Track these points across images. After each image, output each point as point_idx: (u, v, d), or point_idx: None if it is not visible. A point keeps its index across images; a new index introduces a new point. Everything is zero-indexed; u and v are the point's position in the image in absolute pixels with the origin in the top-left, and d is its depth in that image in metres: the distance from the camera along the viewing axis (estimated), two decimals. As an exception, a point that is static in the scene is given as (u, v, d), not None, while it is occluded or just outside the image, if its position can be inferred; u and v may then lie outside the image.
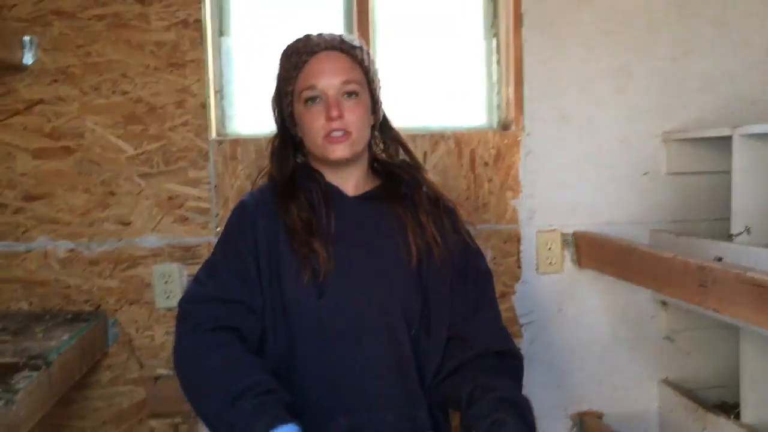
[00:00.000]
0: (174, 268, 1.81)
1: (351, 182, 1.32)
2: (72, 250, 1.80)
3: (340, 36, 1.28)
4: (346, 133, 1.24)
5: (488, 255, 1.90)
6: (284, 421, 1.03)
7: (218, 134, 1.87)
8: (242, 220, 1.29)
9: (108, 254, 1.80)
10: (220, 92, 1.90)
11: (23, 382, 1.26)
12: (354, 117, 1.25)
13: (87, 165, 1.79)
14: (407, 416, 1.21)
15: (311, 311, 1.21)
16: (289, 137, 1.35)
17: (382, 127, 1.38)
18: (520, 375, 1.26)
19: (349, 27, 1.93)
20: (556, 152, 1.91)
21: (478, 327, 1.26)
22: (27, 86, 1.77)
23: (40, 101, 1.78)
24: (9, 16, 1.74)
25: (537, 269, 1.92)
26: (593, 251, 1.86)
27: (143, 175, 1.80)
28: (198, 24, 1.79)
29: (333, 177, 1.32)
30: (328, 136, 1.24)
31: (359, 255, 1.26)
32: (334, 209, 1.27)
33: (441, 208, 1.33)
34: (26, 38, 1.75)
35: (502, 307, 1.83)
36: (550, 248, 1.91)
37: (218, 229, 1.80)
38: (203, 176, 1.81)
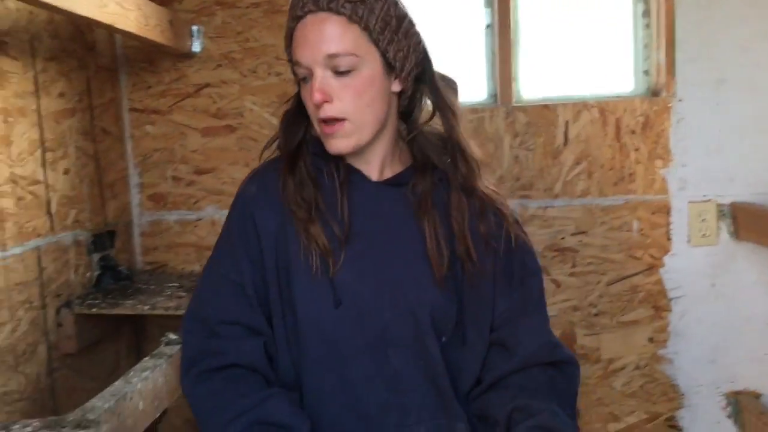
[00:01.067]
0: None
1: (373, 164, 1.05)
2: (235, 219, 1.98)
3: None
4: (339, 121, 0.97)
5: (634, 227, 1.84)
6: None
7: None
8: (242, 218, 1.05)
9: (266, 223, 1.97)
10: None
11: (197, 332, 1.43)
12: (347, 99, 0.96)
13: (247, 141, 1.96)
14: (443, 428, 1.02)
15: (325, 324, 1.00)
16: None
17: (420, 91, 1.06)
18: (573, 387, 1.06)
19: (489, -3, 1.94)
20: (712, 118, 1.81)
21: (522, 334, 1.05)
22: (196, 71, 1.96)
23: (207, 85, 1.96)
24: (180, 8, 1.93)
25: (689, 241, 1.84)
26: (753, 223, 1.75)
27: (296, 150, 1.94)
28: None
29: (352, 157, 1.04)
30: (320, 123, 0.98)
31: (382, 253, 1.02)
32: (350, 196, 1.03)
33: (481, 196, 1.05)
34: (194, 28, 1.94)
35: (649, 279, 1.81)
36: (703, 220, 1.82)
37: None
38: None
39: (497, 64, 1.92)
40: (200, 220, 2.00)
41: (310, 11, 0.95)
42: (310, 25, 0.95)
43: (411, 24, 1.00)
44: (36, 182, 1.57)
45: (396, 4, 0.98)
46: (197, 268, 2.01)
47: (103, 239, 1.83)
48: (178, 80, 1.97)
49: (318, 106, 0.95)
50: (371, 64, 0.96)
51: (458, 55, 1.96)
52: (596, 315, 1.87)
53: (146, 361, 1.27)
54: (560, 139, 1.86)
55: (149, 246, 2.02)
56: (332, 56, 0.94)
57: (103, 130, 1.89)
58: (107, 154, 1.90)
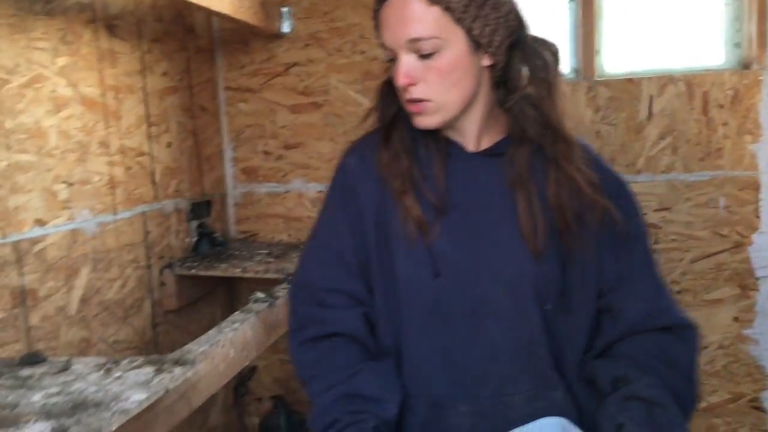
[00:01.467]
0: (404, 209, 2.00)
1: (468, 135, 1.05)
2: (320, 192, 2.08)
3: None
4: (423, 102, 0.98)
5: (721, 203, 1.80)
6: None
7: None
8: (343, 189, 1.09)
9: (349, 196, 2.06)
10: (446, 46, 2.02)
11: (281, 291, 1.54)
12: (432, 81, 0.96)
13: (332, 118, 2.05)
14: (539, 396, 1.02)
15: (425, 293, 1.02)
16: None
17: (515, 59, 1.01)
18: (687, 353, 1.02)
19: (573, -28, 1.93)
20: (807, 91, 1.73)
21: (629, 299, 1.03)
22: (285, 51, 2.07)
23: (295, 64, 2.07)
24: (271, -9, 2.05)
25: (779, 219, 1.78)
26: None
27: (378, 126, 2.01)
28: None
29: (447, 129, 1.05)
30: (406, 102, 0.99)
31: (479, 224, 1.02)
32: (447, 167, 1.04)
33: (579, 167, 1.01)
34: (284, 9, 2.04)
35: (736, 258, 1.77)
36: (795, 197, 1.75)
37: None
38: (430, 125, 1.97)
39: (580, 37, 1.91)
40: (288, 192, 2.12)
41: None
42: (391, 9, 0.95)
43: None
44: (142, 153, 1.72)
45: None
46: (285, 237, 2.13)
47: (200, 208, 1.98)
48: (268, 60, 2.08)
49: (404, 88, 0.97)
50: (455, 45, 0.95)
51: (542, 29, 1.96)
52: (679, 292, 1.85)
53: (236, 315, 1.38)
54: (644, 113, 1.83)
55: (242, 216, 2.16)
56: (414, 41, 0.94)
57: (201, 107, 2.03)
58: (204, 130, 2.04)
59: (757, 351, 1.82)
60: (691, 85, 1.80)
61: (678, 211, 1.83)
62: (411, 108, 0.99)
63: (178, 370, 1.06)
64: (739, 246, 1.80)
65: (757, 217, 1.79)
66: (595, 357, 1.03)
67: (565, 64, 1.95)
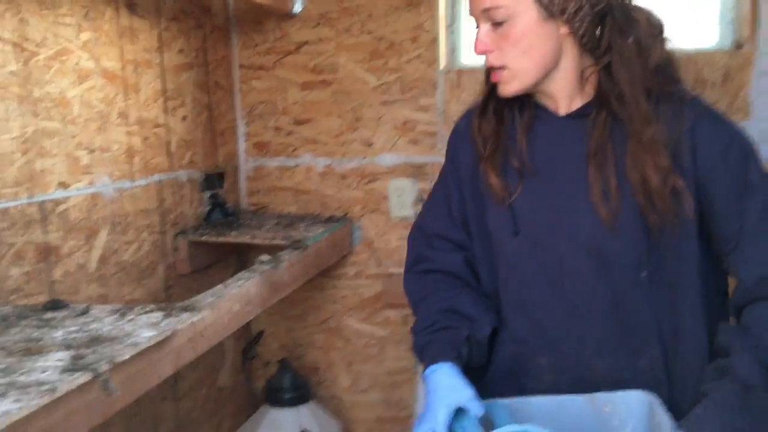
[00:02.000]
0: (407, 183, 2.10)
1: (557, 99, 1.08)
2: (328, 166, 2.18)
3: None
4: (500, 70, 1.04)
5: (710, 180, 1.87)
6: (443, 359, 1.04)
7: (446, 65, 2.09)
8: (450, 148, 1.24)
9: (355, 170, 2.16)
10: (450, 27, 2.10)
11: (286, 255, 1.65)
12: (505, 49, 1.02)
13: (340, 95, 2.14)
14: (623, 365, 1.06)
15: (507, 249, 1.12)
16: None
17: (605, 27, 1.03)
18: None
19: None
20: (796, 72, 1.79)
21: (744, 261, 1.02)
22: (296, 30, 2.16)
23: (306, 42, 2.16)
24: (283, -27, 2.14)
25: None
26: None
27: (383, 103, 2.10)
28: (431, -35, 2.01)
29: (537, 94, 1.10)
30: (488, 70, 1.09)
31: (559, 188, 1.08)
32: (535, 130, 1.10)
33: (658, 138, 1.00)
34: (296, -10, 2.14)
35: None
36: (783, 174, 1.81)
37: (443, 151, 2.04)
38: (432, 103, 2.06)
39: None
40: (297, 166, 2.22)
41: None
42: None
43: None
44: (159, 125, 1.83)
45: None
46: (294, 209, 2.23)
47: (213, 179, 2.09)
48: (281, 39, 2.18)
49: (483, 56, 1.05)
50: (525, 14, 1.00)
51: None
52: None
53: (242, 274, 1.49)
54: (638, 93, 1.90)
55: (253, 189, 2.27)
56: (486, 10, 1.01)
57: (216, 83, 2.13)
58: (219, 105, 2.15)
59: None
60: (684, 64, 1.85)
61: (669, 188, 1.90)
62: (492, 77, 1.07)
63: (185, 315, 1.17)
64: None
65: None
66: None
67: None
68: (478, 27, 1.05)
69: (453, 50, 2.11)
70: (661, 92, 1.04)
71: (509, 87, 1.06)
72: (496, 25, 1.02)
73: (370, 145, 2.13)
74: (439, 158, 2.04)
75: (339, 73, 2.14)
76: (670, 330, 1.06)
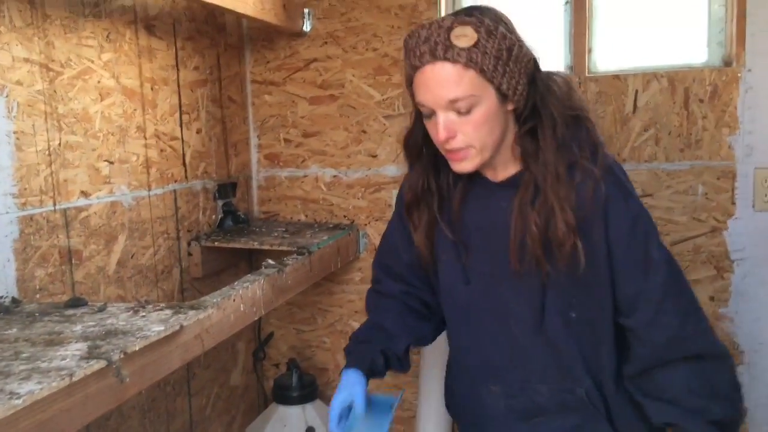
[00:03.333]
0: (409, 193, 2.20)
1: (498, 168, 1.18)
2: (335, 176, 2.29)
3: (448, 33, 1.05)
4: (465, 149, 1.11)
5: (699, 191, 1.94)
6: (353, 366, 1.26)
7: (448, 80, 2.18)
8: (398, 206, 1.35)
9: (360, 180, 2.26)
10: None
11: (291, 261, 1.75)
12: (470, 132, 1.09)
13: (346, 109, 2.25)
14: (564, 390, 1.20)
15: (460, 296, 1.26)
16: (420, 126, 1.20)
17: (531, 97, 1.12)
18: (714, 381, 1.12)
19: (568, -24, 2.09)
20: (781, 87, 1.86)
21: (651, 324, 1.12)
22: (306, 48, 2.28)
23: (315, 60, 2.28)
24: (294, -6, 2.26)
25: (753, 206, 1.91)
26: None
27: (387, 117, 2.21)
28: (433, -14, 2.12)
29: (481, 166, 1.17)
30: (446, 152, 1.13)
31: (498, 242, 1.16)
32: (473, 195, 1.21)
33: (567, 197, 1.10)
34: (306, 10, 2.25)
35: (712, 241, 1.91)
36: (769, 185, 1.88)
37: (445, 161, 2.14)
38: (434, 116, 2.16)
39: (573, 37, 2.07)
40: (306, 176, 2.33)
41: (428, 62, 1.06)
42: (429, 74, 1.07)
43: (520, 48, 1.08)
44: (175, 138, 1.95)
45: (505, 36, 1.06)
46: (302, 217, 2.35)
47: (226, 189, 2.21)
48: (291, 56, 2.30)
49: (443, 142, 1.10)
50: (488, 99, 1.07)
51: (540, 28, 2.14)
52: (659, 273, 1.99)
53: (248, 276, 1.60)
54: (629, 107, 1.98)
55: (264, 198, 2.39)
56: (453, 101, 1.06)
57: (229, 98, 2.26)
58: (232, 119, 2.27)
59: (731, 328, 1.95)
60: (673, 81, 1.94)
61: (660, 198, 1.98)
62: (452, 156, 1.13)
63: (192, 312, 1.28)
64: (716, 231, 1.94)
65: (733, 203, 1.92)
66: (633, 377, 1.17)
67: (560, 62, 2.11)
68: (431, 116, 1.10)
69: (454, 66, 2.21)
70: (577, 162, 1.11)
71: (472, 163, 1.12)
72: (460, 113, 1.08)
73: (374, 156, 2.24)
74: (439, 169, 2.15)
75: (345, 88, 2.25)
76: (596, 365, 1.19)
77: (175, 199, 1.95)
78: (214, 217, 2.16)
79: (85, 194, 1.61)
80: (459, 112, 1.08)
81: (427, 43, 1.06)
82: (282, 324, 2.42)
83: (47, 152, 1.49)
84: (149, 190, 1.84)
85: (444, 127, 1.09)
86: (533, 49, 1.12)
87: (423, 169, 1.23)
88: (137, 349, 1.09)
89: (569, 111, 1.14)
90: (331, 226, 2.25)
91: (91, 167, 1.63)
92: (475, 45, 1.04)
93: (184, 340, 1.27)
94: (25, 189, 1.43)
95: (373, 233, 2.26)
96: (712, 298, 1.96)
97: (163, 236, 1.90)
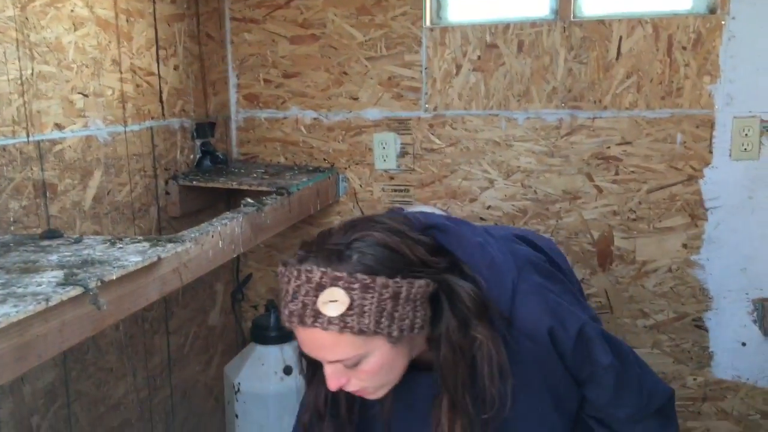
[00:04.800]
0: (390, 136, 2.19)
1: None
2: (315, 119, 2.27)
3: (316, 295, 0.92)
4: (362, 389, 1.03)
5: (678, 139, 1.96)
6: None
7: (431, 23, 2.15)
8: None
9: (341, 123, 2.24)
10: (436, -15, 2.17)
11: (270, 201, 1.74)
12: (364, 379, 1.00)
13: (328, 50, 2.21)
14: None
15: None
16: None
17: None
18: (668, 418, 1.18)
19: None
20: (763, 37, 1.86)
21: (613, 409, 1.15)
22: (287, -15, 2.22)
23: (296, -3, 2.22)
24: (275, -72, 2.19)
25: (730, 155, 1.93)
26: (799, 141, 1.81)
27: (369, 58, 2.18)
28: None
29: None
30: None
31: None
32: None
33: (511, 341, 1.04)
34: (287, -55, 2.19)
35: (688, 190, 1.95)
36: (746, 134, 1.90)
37: (426, 106, 2.13)
38: (416, 60, 2.13)
39: (559, -20, 2.04)
40: (286, 118, 2.30)
41: (299, 325, 0.94)
42: (302, 335, 0.97)
43: (409, 287, 0.94)
44: (151, 74, 1.91)
45: (387, 285, 0.92)
46: (282, 159, 2.33)
47: (204, 128, 2.18)
48: (271, -7, 2.24)
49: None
50: (378, 350, 0.96)
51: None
52: (634, 220, 2.02)
53: (227, 214, 1.59)
54: (613, 53, 1.97)
55: (243, 139, 2.36)
56: (337, 362, 0.97)
57: (208, 34, 2.20)
58: (210, 57, 2.22)
59: (702, 275, 2.00)
60: (657, 27, 1.93)
61: (638, 145, 1.99)
62: (351, 392, 1.04)
63: (170, 245, 1.27)
64: (692, 179, 1.96)
65: (710, 152, 1.94)
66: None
67: (544, 6, 2.08)
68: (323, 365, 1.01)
69: (439, 8, 2.18)
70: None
71: (375, 395, 1.05)
72: (348, 366, 0.98)
73: (356, 99, 2.21)
74: (421, 113, 2.14)
75: (327, 28, 2.20)
76: None
77: (152, 137, 1.92)
78: (192, 156, 2.13)
79: (59, 127, 1.57)
80: (347, 366, 0.98)
81: (295, 303, 0.93)
82: (260, 267, 2.42)
83: (19, 81, 1.45)
84: (125, 125, 1.80)
85: (333, 380, 0.99)
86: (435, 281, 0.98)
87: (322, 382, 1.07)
88: (114, 278, 1.08)
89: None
90: (310, 168, 2.23)
91: (65, 99, 1.59)
92: (349, 308, 0.91)
93: (162, 273, 1.27)
94: (-3, 118, 1.40)
95: (353, 177, 2.25)
96: (684, 245, 2.00)
97: (140, 174, 1.87)
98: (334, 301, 0.91)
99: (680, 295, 2.03)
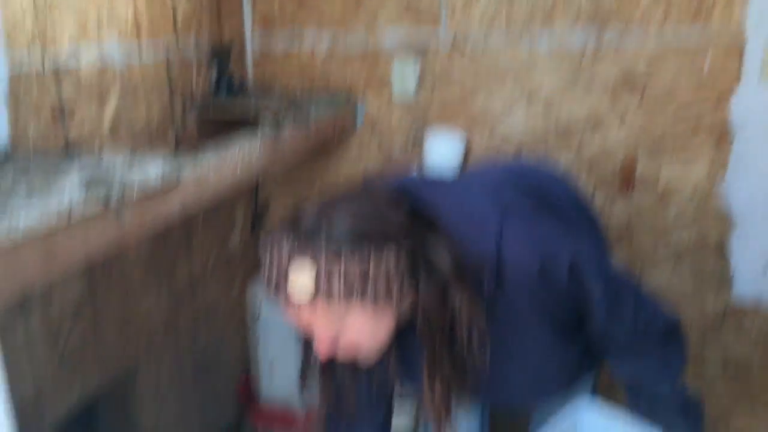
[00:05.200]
0: (409, 62, 2.14)
1: None
2: (333, 45, 2.22)
3: (286, 269, 0.92)
4: (349, 356, 1.05)
5: (707, 60, 1.89)
6: None
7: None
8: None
9: (358, 49, 2.19)
10: None
11: (288, 126, 1.72)
12: (347, 346, 1.01)
13: (344, -29, 2.15)
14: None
15: None
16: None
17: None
18: (679, 352, 1.21)
19: None
20: (803, -51, 1.77)
21: (614, 327, 1.17)
22: None
23: None
24: None
25: (761, 77, 1.86)
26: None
27: (388, -21, 2.11)
28: None
29: None
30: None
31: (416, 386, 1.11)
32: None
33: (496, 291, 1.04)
34: None
35: (716, 113, 1.89)
36: (778, 55, 1.83)
37: (446, 30, 2.07)
38: (436, -20, 2.06)
39: None
40: (303, 44, 2.25)
41: (275, 296, 0.95)
42: (283, 305, 0.97)
43: (379, 257, 0.92)
44: (165, -6, 1.87)
45: (359, 256, 0.90)
46: (299, 87, 2.29)
47: (220, 53, 2.14)
48: None
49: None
50: (356, 317, 0.95)
51: None
52: (659, 143, 1.98)
53: (246, 134, 1.58)
54: (642, -31, 1.89)
55: (259, 65, 2.32)
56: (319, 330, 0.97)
57: (221, -46, 2.14)
58: (224, -22, 2.17)
59: (726, 200, 1.97)
60: (682, -52, 1.84)
61: (665, 69, 1.93)
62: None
63: (190, 161, 1.27)
64: (721, 101, 1.91)
65: (739, 75, 1.88)
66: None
67: None
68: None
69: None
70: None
71: (368, 359, 1.08)
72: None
73: (374, 24, 2.15)
74: (440, 38, 2.08)
75: (344, -53, 2.13)
76: None
77: (167, 61, 1.89)
78: (207, 82, 2.10)
79: (74, 48, 1.55)
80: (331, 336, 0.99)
81: (270, 275, 0.95)
82: (279, 193, 2.43)
83: (33, 3, 1.42)
84: (140, 49, 1.78)
85: (322, 346, 0.99)
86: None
87: None
88: (136, 190, 1.09)
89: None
90: (328, 97, 2.20)
91: (80, 19, 1.56)
92: (318, 276, 0.90)
93: (182, 187, 1.27)
94: (12, 37, 1.37)
95: (371, 106, 2.22)
96: (709, 170, 1.96)
97: (156, 97, 1.86)
98: (304, 272, 0.90)
99: (703, 218, 2.00)
